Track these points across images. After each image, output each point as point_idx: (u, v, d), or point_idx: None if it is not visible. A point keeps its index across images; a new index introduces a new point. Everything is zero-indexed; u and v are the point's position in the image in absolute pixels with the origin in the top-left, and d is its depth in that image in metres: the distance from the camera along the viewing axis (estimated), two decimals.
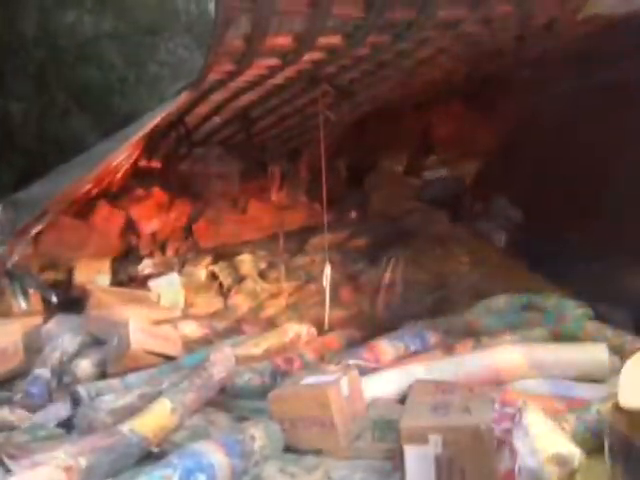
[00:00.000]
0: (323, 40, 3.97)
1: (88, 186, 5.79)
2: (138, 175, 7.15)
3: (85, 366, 3.88)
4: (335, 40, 4.05)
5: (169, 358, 3.91)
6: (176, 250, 6.67)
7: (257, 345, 3.99)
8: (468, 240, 5.97)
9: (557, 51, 4.80)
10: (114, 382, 3.55)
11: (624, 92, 4.48)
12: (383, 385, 3.12)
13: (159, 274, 6.01)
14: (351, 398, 2.78)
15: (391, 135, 6.74)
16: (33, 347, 4.33)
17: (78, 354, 4.11)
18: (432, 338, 3.89)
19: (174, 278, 5.86)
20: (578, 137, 5.17)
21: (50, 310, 4.94)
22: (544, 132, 5.47)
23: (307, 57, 4.27)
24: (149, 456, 2.76)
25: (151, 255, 6.52)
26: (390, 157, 7.24)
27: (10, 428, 3.27)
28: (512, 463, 2.31)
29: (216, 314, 5.73)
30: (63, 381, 3.84)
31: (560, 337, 3.76)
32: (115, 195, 6.86)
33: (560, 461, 2.31)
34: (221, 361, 3.40)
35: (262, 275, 6.27)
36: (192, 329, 4.67)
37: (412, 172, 7.07)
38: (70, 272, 5.90)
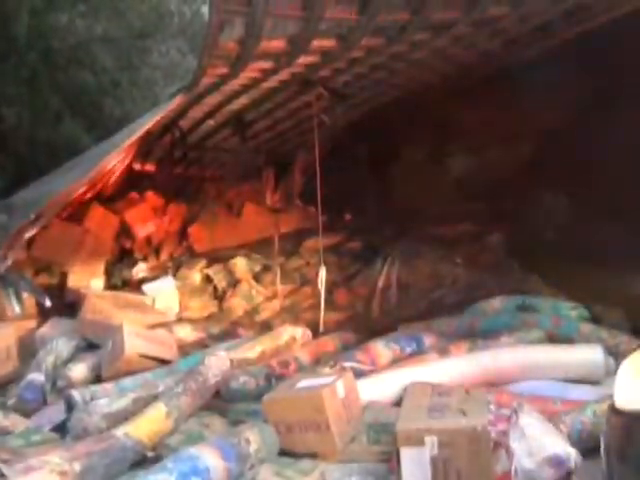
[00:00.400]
0: (317, 43, 3.97)
1: (82, 190, 5.78)
2: (132, 178, 7.14)
3: (79, 370, 3.87)
4: (329, 43, 4.05)
5: (164, 362, 3.90)
6: (170, 253, 6.67)
7: (252, 348, 3.98)
8: (463, 240, 5.98)
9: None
10: (108, 386, 3.55)
11: None
12: (379, 388, 3.13)
13: (153, 278, 6.01)
14: (347, 401, 2.77)
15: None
16: (27, 351, 4.32)
17: (72, 358, 4.10)
18: (428, 340, 3.90)
19: (169, 282, 5.86)
20: (575, 136, 5.18)
21: (44, 314, 4.92)
22: (547, 129, 5.47)
23: (301, 60, 4.27)
24: (144, 460, 2.75)
25: (145, 259, 6.52)
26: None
27: (4, 433, 3.26)
28: (508, 464, 2.31)
29: (211, 317, 5.73)
30: (57, 385, 3.83)
31: (556, 338, 3.77)
32: (109, 199, 6.85)
33: (556, 462, 2.32)
34: (216, 364, 3.40)
35: (257, 278, 6.27)
36: (187, 333, 4.67)
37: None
38: (64, 276, 5.90)
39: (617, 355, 3.34)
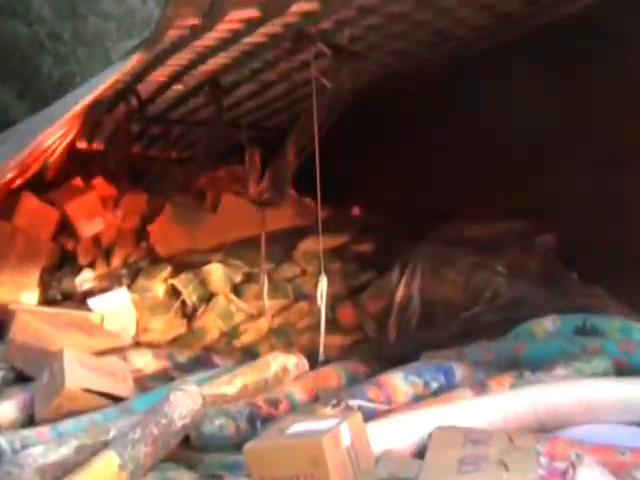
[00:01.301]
0: None
1: (11, 174, 5.78)
2: (76, 160, 7.14)
3: (6, 410, 3.87)
4: None
5: (116, 399, 3.90)
6: (125, 258, 6.66)
7: (231, 382, 3.98)
8: (506, 242, 5.96)
9: None
10: (44, 430, 3.54)
11: None
12: (396, 433, 3.12)
13: (103, 290, 6.00)
14: (353, 450, 2.77)
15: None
16: None
17: None
18: (459, 372, 3.90)
19: (123, 295, 5.85)
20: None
21: None
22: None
23: (295, 8, 4.28)
24: None
25: (92, 265, 6.51)
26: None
27: None
28: None
29: (178, 341, 5.73)
30: None
31: (625, 369, 3.77)
32: (46, 186, 6.86)
33: None
34: (184, 403, 3.40)
35: (237, 291, 6.26)
36: (146, 361, 4.67)
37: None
38: None
39: None
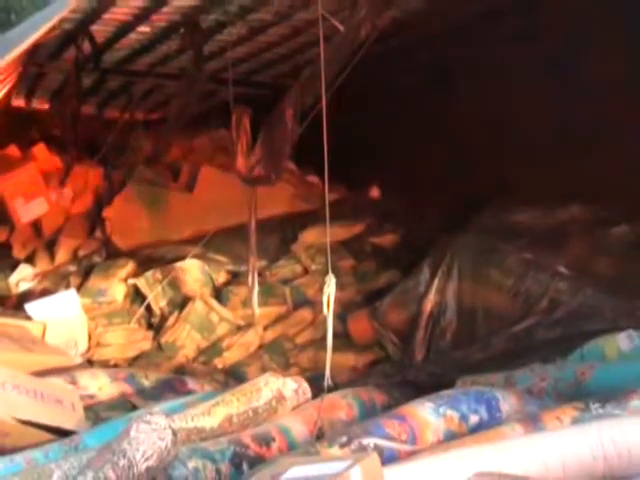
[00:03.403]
0: None
1: None
2: (11, 123, 7.15)
3: None
4: None
5: (62, 433, 3.92)
6: (74, 251, 6.67)
7: (210, 413, 4.00)
8: (569, 233, 5.95)
9: None
10: None
11: None
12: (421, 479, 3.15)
13: (45, 292, 6.01)
14: None
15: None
16: None
17: None
18: (506, 403, 3.91)
19: (71, 299, 5.86)
20: None
21: None
22: None
23: None
24: None
25: (32, 259, 6.52)
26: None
27: None
28: None
29: (141, 360, 5.74)
30: None
31: None
32: None
33: None
34: (149, 439, 3.41)
35: (220, 294, 6.27)
36: (101, 385, 4.68)
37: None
38: None
39: None
